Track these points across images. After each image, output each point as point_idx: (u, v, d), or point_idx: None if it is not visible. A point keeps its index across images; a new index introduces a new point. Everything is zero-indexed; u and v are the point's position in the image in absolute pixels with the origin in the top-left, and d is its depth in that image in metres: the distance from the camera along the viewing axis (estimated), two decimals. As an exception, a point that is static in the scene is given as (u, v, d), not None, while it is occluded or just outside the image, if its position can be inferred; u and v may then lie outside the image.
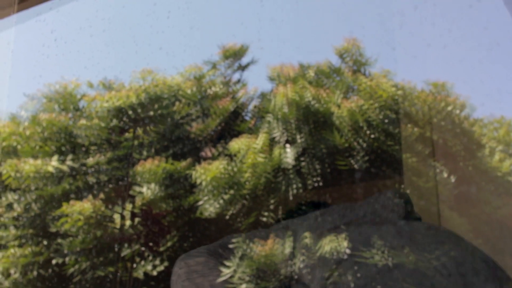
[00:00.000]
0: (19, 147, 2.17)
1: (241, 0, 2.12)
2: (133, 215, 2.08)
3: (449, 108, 1.92)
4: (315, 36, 1.94)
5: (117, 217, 2.08)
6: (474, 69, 1.40)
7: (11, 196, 2.15)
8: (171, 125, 2.10)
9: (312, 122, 1.95)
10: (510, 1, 1.28)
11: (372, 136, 1.89)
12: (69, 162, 2.09)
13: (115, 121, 2.10)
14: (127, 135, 2.12)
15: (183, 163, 2.03)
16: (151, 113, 2.09)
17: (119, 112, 2.08)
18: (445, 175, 1.85)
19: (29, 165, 2.09)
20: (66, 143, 2.14)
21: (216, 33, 2.11)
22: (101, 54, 1.93)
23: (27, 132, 2.17)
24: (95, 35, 1.87)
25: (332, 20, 1.92)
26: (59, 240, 2.07)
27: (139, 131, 2.10)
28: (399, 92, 1.93)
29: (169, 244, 2.03)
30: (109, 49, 1.96)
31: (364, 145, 1.87)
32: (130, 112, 2.06)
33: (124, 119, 2.09)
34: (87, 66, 2.07)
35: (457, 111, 1.92)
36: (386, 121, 1.90)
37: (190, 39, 1.91)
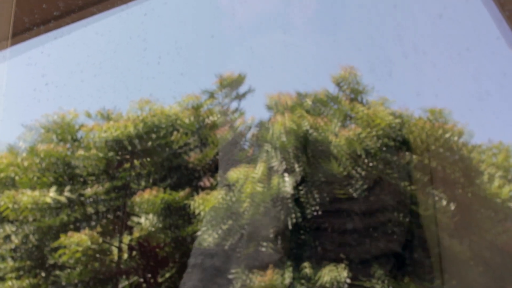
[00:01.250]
0: (17, 178, 2.16)
1: (231, 47, 2.14)
2: (131, 247, 2.06)
3: (447, 135, 1.92)
4: (304, 77, 1.95)
5: (115, 248, 2.07)
6: (464, 118, 1.41)
7: (8, 228, 2.14)
8: (169, 154, 2.10)
9: (310, 150, 1.94)
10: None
11: (371, 164, 1.88)
12: (67, 193, 2.08)
13: (113, 152, 2.09)
14: (125, 165, 2.12)
15: (182, 193, 2.01)
16: (149, 143, 2.08)
17: (117, 143, 2.07)
18: (444, 202, 1.84)
19: (27, 196, 2.07)
20: (64, 173, 2.13)
21: (206, 79, 2.13)
22: (92, 99, 1.95)
23: (25, 163, 2.16)
24: (86, 80, 1.88)
25: (320, 68, 1.94)
26: (57, 272, 2.05)
27: (136, 162, 2.10)
28: (397, 120, 1.93)
29: (167, 275, 2.01)
30: (100, 94, 1.97)
31: (363, 173, 1.87)
32: (126, 143, 2.06)
33: (122, 151, 2.09)
34: (78, 110, 2.09)
35: (455, 138, 1.92)
36: (384, 149, 1.90)
37: (180, 85, 1.93)
